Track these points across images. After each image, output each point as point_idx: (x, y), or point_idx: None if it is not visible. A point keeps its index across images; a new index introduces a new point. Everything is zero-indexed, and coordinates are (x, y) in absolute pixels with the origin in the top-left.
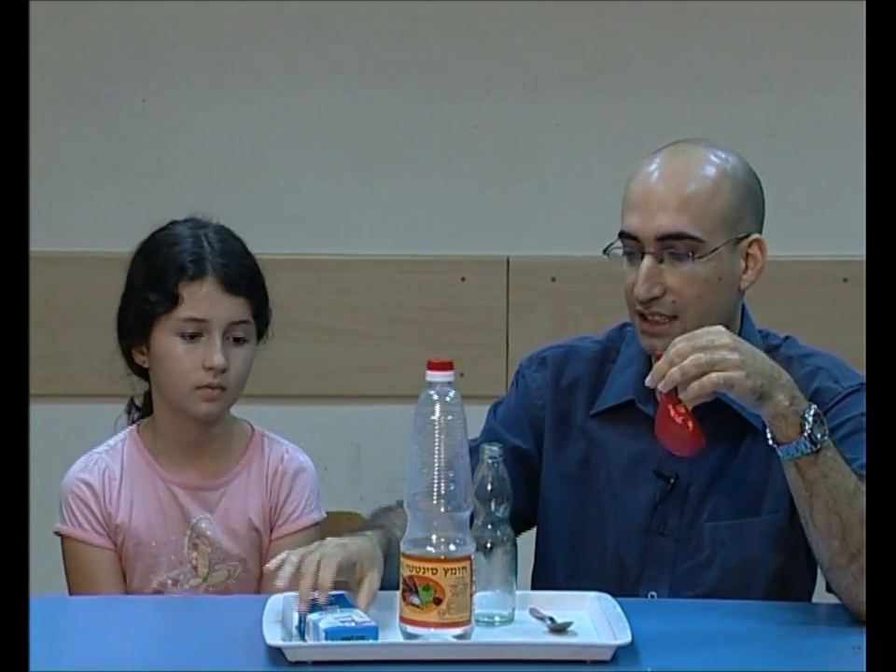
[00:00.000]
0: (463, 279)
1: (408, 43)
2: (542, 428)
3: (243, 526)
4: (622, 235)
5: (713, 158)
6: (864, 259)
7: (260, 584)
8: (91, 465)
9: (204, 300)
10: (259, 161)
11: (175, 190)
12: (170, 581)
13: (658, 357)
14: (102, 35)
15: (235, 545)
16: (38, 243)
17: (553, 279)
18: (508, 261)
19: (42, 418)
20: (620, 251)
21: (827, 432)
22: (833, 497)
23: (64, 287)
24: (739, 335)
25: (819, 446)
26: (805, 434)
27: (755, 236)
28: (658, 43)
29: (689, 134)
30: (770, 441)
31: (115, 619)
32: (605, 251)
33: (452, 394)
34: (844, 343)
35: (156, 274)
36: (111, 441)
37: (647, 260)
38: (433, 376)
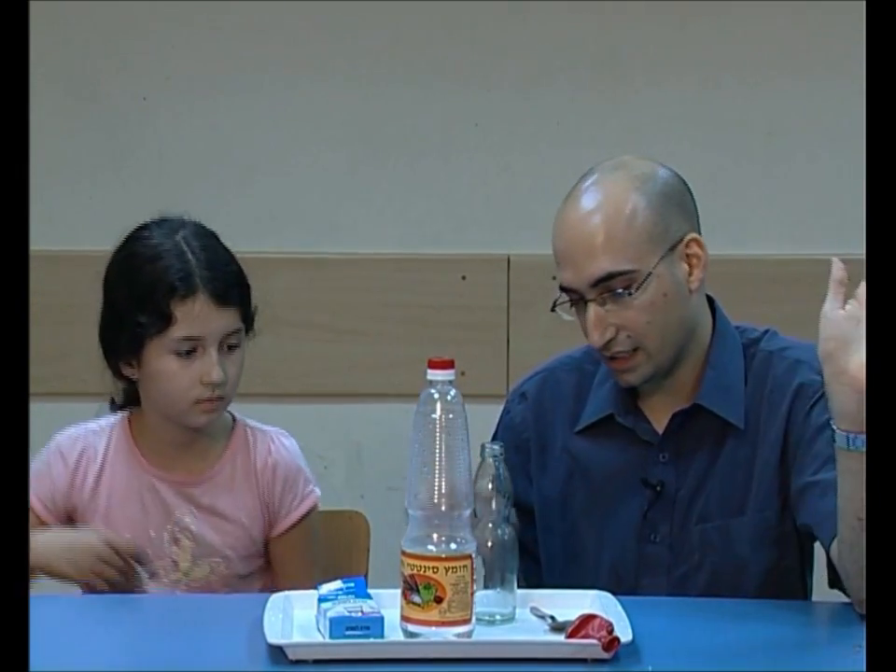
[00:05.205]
0: (464, 278)
1: (408, 40)
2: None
3: (228, 522)
4: (562, 288)
5: (621, 182)
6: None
7: (244, 582)
8: (75, 439)
9: (199, 317)
10: (259, 158)
11: (176, 189)
12: (146, 575)
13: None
14: (102, 34)
15: (219, 540)
16: (39, 241)
17: (554, 278)
18: (509, 260)
19: (42, 417)
20: (567, 303)
21: None
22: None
23: (65, 286)
24: (712, 335)
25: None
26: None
27: (690, 236)
28: (659, 41)
29: (689, 132)
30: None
31: (115, 618)
32: (552, 308)
33: (453, 392)
34: None
35: (143, 294)
36: (103, 422)
37: (591, 309)
38: (434, 375)
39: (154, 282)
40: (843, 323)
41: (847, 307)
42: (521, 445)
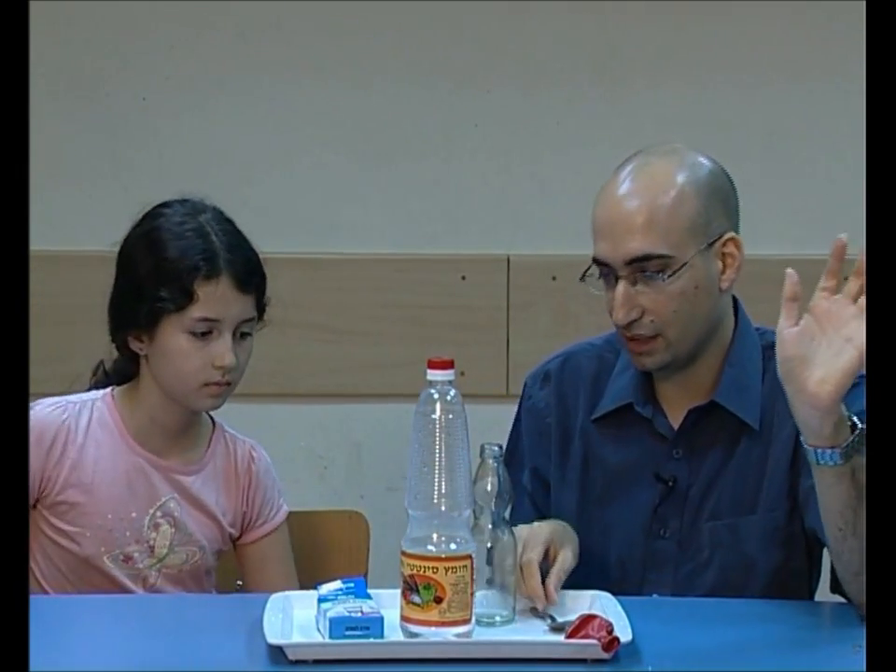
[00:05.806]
0: (463, 278)
1: (408, 41)
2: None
3: (207, 515)
4: (595, 260)
5: (672, 167)
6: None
7: (208, 577)
8: (54, 409)
9: (220, 300)
10: (259, 159)
11: (176, 189)
12: (121, 557)
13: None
14: (102, 35)
15: (198, 530)
16: (39, 241)
17: (554, 278)
18: (508, 260)
19: None
20: (596, 275)
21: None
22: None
23: (65, 286)
24: (734, 334)
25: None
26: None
27: (729, 235)
28: (659, 41)
29: (689, 133)
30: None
31: (115, 619)
32: (581, 278)
33: (452, 393)
34: None
35: (166, 268)
36: (84, 397)
37: (621, 286)
38: (434, 375)
39: (179, 258)
40: (797, 341)
41: (802, 322)
42: (543, 430)
